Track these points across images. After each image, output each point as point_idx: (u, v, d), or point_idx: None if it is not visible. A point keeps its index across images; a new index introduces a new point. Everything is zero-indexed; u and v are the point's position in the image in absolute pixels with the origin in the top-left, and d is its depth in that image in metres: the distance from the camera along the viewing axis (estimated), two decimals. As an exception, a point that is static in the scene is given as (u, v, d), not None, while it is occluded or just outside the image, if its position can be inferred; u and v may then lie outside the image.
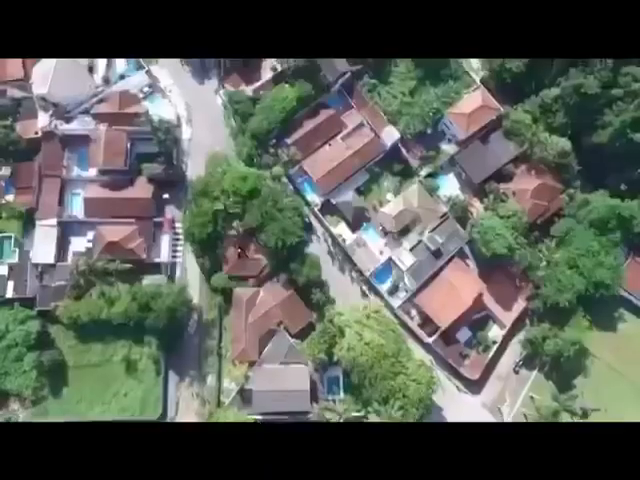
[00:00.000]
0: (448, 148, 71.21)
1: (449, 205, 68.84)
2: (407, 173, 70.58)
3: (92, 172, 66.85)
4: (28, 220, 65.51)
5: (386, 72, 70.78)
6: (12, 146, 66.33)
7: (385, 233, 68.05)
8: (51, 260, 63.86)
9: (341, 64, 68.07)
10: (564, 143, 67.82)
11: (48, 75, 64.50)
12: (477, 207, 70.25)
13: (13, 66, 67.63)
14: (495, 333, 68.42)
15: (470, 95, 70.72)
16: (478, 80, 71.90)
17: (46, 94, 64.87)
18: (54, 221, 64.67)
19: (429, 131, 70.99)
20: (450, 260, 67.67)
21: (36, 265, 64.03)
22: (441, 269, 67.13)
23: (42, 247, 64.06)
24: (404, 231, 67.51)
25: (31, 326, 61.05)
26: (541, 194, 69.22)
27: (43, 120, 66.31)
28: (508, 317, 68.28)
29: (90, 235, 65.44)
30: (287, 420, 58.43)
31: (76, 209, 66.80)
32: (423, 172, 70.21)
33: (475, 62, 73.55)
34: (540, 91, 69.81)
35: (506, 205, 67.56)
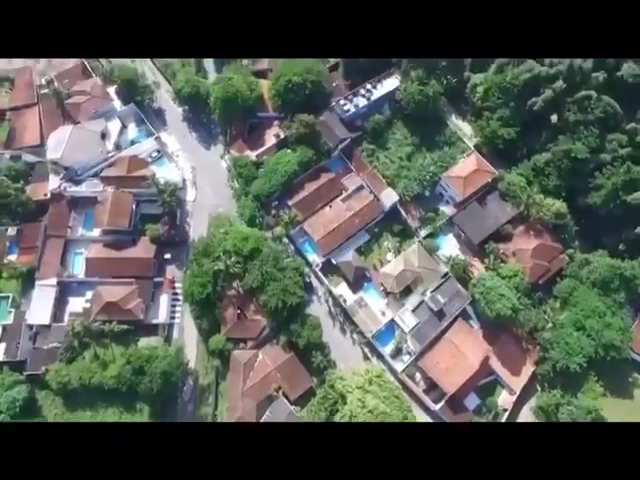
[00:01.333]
0: (446, 209, 72.84)
1: (449, 265, 68.87)
2: (407, 234, 71.57)
3: (96, 232, 67.96)
4: (28, 280, 65.40)
5: (384, 138, 74.68)
6: (21, 207, 68.16)
7: (387, 293, 67.35)
8: (46, 321, 62.82)
9: (341, 131, 71.88)
10: (559, 204, 69.43)
11: (62, 141, 68.03)
12: (478, 267, 70.14)
13: (31, 134, 71.93)
14: (505, 399, 65.18)
15: (465, 160, 73.76)
16: (472, 146, 75.46)
17: (59, 159, 67.93)
18: (54, 281, 64.55)
19: (427, 193, 73.10)
20: (454, 321, 66.32)
21: (30, 326, 62.90)
22: (444, 331, 65.56)
23: (39, 307, 63.31)
24: (406, 291, 66.91)
25: (18, 392, 58.58)
26: (541, 254, 69.52)
27: (53, 183, 68.76)
28: (517, 382, 65.41)
29: (89, 295, 64.95)
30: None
31: (77, 269, 66.95)
32: (422, 233, 71.24)
33: (468, 129, 77.66)
34: (531, 156, 72.83)
35: (507, 265, 67.63)
